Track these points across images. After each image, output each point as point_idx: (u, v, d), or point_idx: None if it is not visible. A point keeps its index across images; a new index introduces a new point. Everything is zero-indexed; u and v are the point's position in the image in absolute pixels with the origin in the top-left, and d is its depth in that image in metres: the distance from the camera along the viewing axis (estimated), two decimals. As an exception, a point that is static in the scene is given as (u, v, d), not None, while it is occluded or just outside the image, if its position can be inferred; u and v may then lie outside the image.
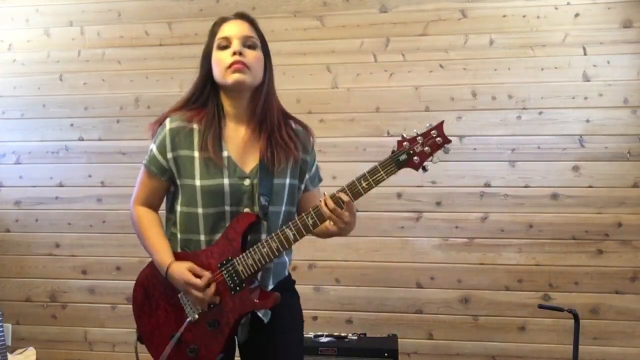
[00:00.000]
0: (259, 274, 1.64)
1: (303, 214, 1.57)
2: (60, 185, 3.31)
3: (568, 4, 2.92)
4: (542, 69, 2.93)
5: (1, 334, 2.75)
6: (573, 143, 2.92)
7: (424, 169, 1.55)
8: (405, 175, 2.98)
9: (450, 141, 1.53)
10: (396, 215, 3.03)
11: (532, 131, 2.94)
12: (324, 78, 3.06)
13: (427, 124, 1.54)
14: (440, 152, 1.53)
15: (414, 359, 3.03)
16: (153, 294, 1.70)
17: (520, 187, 2.96)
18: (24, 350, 3.04)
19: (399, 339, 2.71)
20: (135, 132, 3.23)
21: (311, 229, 1.56)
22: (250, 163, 1.64)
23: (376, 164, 1.56)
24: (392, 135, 3.02)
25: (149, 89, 3.23)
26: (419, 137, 1.54)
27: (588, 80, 2.91)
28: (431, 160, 1.54)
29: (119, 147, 3.25)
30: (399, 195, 3.02)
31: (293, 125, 1.72)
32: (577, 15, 2.92)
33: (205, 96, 1.66)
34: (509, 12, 2.96)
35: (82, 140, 3.29)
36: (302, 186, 1.74)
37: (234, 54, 1.59)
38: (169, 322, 1.66)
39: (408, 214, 3.02)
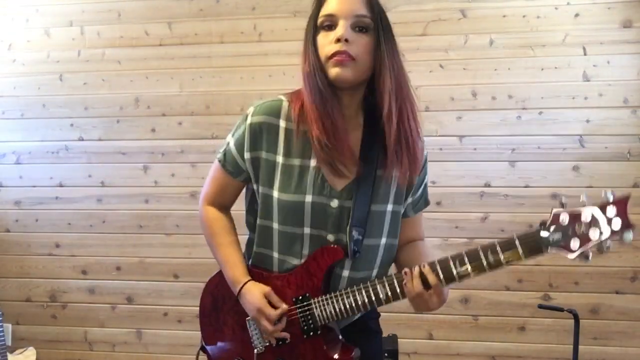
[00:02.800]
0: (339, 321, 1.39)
1: (401, 272, 1.29)
2: (60, 185, 3.31)
3: (568, 4, 2.92)
4: (542, 69, 2.93)
5: (1, 334, 2.75)
6: (573, 143, 2.92)
7: (584, 258, 1.14)
8: (405, 175, 2.99)
9: (633, 226, 1.07)
10: (396, 215, 3.02)
11: (532, 131, 2.94)
12: (324, 78, 3.06)
13: (604, 194, 1.11)
14: (616, 239, 1.10)
15: (414, 359, 3.03)
16: (222, 308, 1.50)
17: (520, 187, 2.96)
18: (24, 350, 3.04)
19: (399, 339, 2.70)
20: (135, 132, 3.23)
21: (400, 297, 1.30)
22: (343, 180, 1.34)
23: (514, 235, 1.17)
24: (392, 135, 3.01)
25: (149, 89, 3.23)
26: (586, 214, 1.09)
27: (588, 80, 2.91)
28: (599, 249, 1.12)
29: (119, 147, 3.25)
30: (399, 195, 3.02)
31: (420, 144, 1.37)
32: (577, 15, 2.92)
33: (319, 79, 1.29)
34: (509, 12, 2.96)
35: (82, 140, 3.29)
36: (402, 210, 1.44)
37: (337, 40, 1.27)
38: (235, 343, 1.47)
39: (408, 214, 3.02)
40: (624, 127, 2.89)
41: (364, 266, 1.38)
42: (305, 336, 1.37)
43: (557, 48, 2.92)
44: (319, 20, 1.32)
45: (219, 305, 1.51)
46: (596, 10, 2.90)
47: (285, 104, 1.39)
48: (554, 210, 1.14)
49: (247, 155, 1.39)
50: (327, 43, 1.29)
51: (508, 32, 2.95)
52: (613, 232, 1.09)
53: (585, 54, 2.90)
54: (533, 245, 1.16)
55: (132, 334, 3.25)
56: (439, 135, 2.97)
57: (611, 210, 1.09)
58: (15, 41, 3.35)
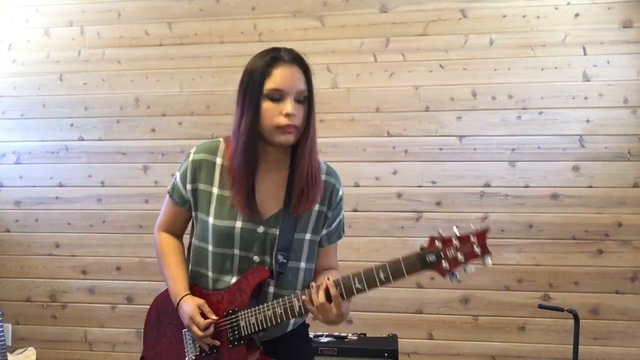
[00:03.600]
0: (261, 333, 1.56)
1: (306, 290, 1.49)
2: (60, 185, 3.31)
3: (568, 4, 2.92)
4: (542, 69, 2.93)
5: (1, 334, 2.75)
6: (573, 143, 2.92)
7: (452, 277, 1.36)
8: (405, 174, 3.00)
9: (490, 253, 1.34)
10: (396, 215, 3.03)
11: (532, 131, 2.94)
12: (324, 78, 3.06)
13: (472, 228, 1.36)
14: (477, 264, 1.33)
15: (414, 359, 3.03)
16: (163, 320, 1.68)
17: (520, 187, 2.96)
18: (24, 350, 3.04)
19: (399, 339, 2.70)
20: (135, 132, 3.23)
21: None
22: (269, 209, 1.56)
23: (399, 257, 1.38)
24: (392, 135, 3.02)
25: (149, 89, 3.23)
26: (455, 241, 1.35)
27: (588, 80, 2.91)
28: (464, 270, 1.35)
29: (119, 147, 3.25)
30: (399, 195, 3.02)
31: (323, 177, 1.60)
32: (577, 15, 2.92)
33: (251, 141, 1.51)
34: (509, 12, 2.96)
35: (82, 140, 3.29)
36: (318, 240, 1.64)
37: (287, 115, 1.46)
38: (170, 354, 1.64)
39: (408, 214, 3.02)
40: (624, 127, 2.89)
41: (287, 285, 1.58)
42: (230, 345, 1.54)
43: (557, 48, 2.92)
44: (266, 90, 1.48)
45: (161, 319, 1.68)
46: (596, 10, 2.90)
47: (222, 145, 1.61)
48: (431, 235, 1.37)
49: (188, 186, 1.60)
50: (276, 114, 1.48)
51: (508, 32, 2.95)
52: (475, 256, 1.34)
53: (585, 54, 2.91)
54: (414, 265, 1.38)
55: (132, 334, 3.25)
56: (439, 135, 2.98)
57: (473, 239, 1.34)
58: (15, 41, 3.35)
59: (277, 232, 1.55)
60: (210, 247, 1.57)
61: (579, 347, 2.39)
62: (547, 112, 2.94)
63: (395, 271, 1.38)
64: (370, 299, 3.04)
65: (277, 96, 1.48)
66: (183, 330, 1.62)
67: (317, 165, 1.58)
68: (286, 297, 1.51)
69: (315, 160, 1.57)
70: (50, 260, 3.33)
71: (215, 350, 1.56)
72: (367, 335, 2.73)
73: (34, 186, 3.34)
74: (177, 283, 1.61)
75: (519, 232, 2.96)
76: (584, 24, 2.91)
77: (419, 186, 3.00)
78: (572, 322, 2.40)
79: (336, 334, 2.70)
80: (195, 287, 1.62)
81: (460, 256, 1.34)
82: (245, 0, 3.13)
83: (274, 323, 1.51)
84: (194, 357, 1.59)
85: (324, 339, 2.64)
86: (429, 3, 3.01)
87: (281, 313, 1.50)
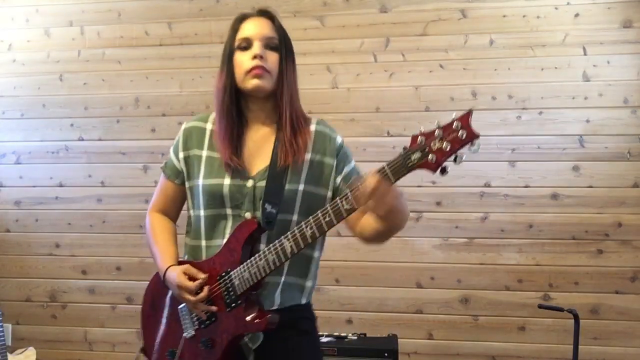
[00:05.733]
0: (259, 290, 1.49)
1: (303, 222, 1.41)
2: (60, 185, 3.31)
3: (568, 4, 2.92)
4: (542, 69, 2.93)
5: (1, 334, 2.75)
6: (573, 143, 2.92)
7: (443, 171, 1.27)
8: (405, 175, 3.00)
9: (478, 135, 1.22)
10: (396, 215, 3.02)
11: (532, 131, 2.94)
12: (324, 78, 3.06)
13: (454, 115, 1.24)
14: (466, 150, 1.25)
15: (414, 359, 3.03)
16: (159, 305, 1.61)
17: (520, 187, 2.96)
18: (24, 350, 3.04)
19: (399, 339, 2.70)
20: (135, 132, 3.23)
21: (309, 240, 1.41)
22: (258, 165, 1.54)
23: (383, 164, 1.31)
24: (392, 135, 3.02)
25: (149, 89, 3.23)
26: (438, 131, 1.23)
27: (588, 80, 2.91)
28: (454, 161, 1.26)
29: (119, 147, 3.25)
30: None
31: (313, 127, 1.59)
32: (577, 15, 2.92)
33: (227, 97, 1.56)
34: (509, 12, 2.96)
35: (82, 140, 3.29)
36: (330, 194, 1.57)
37: (254, 57, 1.50)
38: (169, 336, 1.57)
39: (408, 214, 3.02)
40: (624, 127, 2.89)
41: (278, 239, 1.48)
42: (228, 309, 1.47)
43: (557, 48, 2.92)
44: (236, 43, 1.54)
45: (156, 304, 1.63)
46: (596, 10, 2.90)
47: (213, 114, 1.64)
48: (412, 134, 1.27)
49: (181, 155, 1.62)
50: (245, 60, 1.52)
51: (508, 32, 2.95)
52: (461, 142, 1.22)
53: (585, 54, 2.91)
54: (400, 167, 1.30)
55: (132, 334, 3.25)
56: (439, 135, 2.97)
57: (457, 125, 1.21)
58: (15, 41, 3.35)
59: (264, 185, 1.51)
60: (201, 212, 1.55)
61: (579, 347, 2.39)
62: (547, 112, 2.94)
63: (384, 176, 1.30)
64: (370, 299, 3.04)
65: (245, 44, 1.53)
66: (178, 307, 1.55)
67: (300, 112, 1.58)
68: (276, 241, 1.44)
69: (296, 108, 1.57)
70: (50, 260, 3.33)
71: (214, 319, 1.49)
72: (367, 335, 2.73)
73: (34, 186, 3.34)
74: (163, 257, 1.58)
75: (519, 232, 2.96)
76: (584, 24, 2.91)
77: (419, 186, 3.00)
78: (572, 322, 2.40)
79: (336, 334, 2.70)
80: (185, 261, 1.56)
81: (446, 145, 1.23)
82: (245, 1, 3.12)
83: (268, 271, 1.44)
84: (193, 332, 1.52)
85: (324, 339, 2.64)
86: (429, 3, 3.01)
87: (274, 259, 1.43)
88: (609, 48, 2.89)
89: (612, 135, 2.90)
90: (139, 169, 3.24)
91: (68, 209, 3.31)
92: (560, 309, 2.45)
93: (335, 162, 1.58)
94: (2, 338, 2.77)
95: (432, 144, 1.24)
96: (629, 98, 2.88)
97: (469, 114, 1.22)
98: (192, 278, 1.48)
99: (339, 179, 1.58)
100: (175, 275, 1.49)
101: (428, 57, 3.01)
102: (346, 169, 1.59)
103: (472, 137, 1.22)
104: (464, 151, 1.24)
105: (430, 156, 1.25)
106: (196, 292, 1.46)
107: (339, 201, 1.37)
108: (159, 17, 3.22)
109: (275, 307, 1.51)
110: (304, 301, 1.58)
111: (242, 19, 1.57)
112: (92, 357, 3.30)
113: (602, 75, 2.90)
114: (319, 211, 1.39)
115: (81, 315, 3.31)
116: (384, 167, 1.31)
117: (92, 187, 3.28)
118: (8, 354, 2.89)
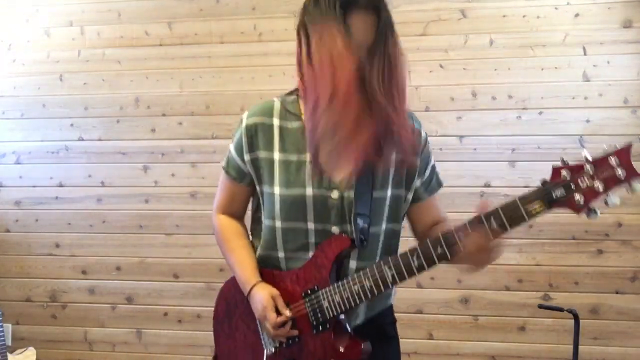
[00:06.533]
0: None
1: (408, 251, 1.26)
2: (60, 185, 3.31)
3: (568, 4, 2.92)
4: (542, 69, 2.93)
5: (1, 334, 2.75)
6: (573, 143, 2.92)
7: (590, 213, 1.08)
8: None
9: (639, 175, 1.03)
10: (396, 215, 3.02)
11: (532, 131, 2.94)
12: (324, 78, 3.06)
13: (605, 147, 1.06)
14: (621, 190, 1.06)
15: (414, 359, 3.03)
16: (234, 313, 1.50)
17: (520, 187, 2.94)
18: (24, 350, 3.04)
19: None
20: (135, 132, 3.23)
21: (416, 272, 1.26)
22: (342, 170, 1.31)
23: (515, 198, 1.13)
24: (392, 135, 3.01)
25: (149, 89, 3.23)
26: (588, 166, 1.05)
27: (588, 80, 2.91)
28: (605, 202, 1.07)
29: (119, 147, 3.25)
30: (399, 195, 3.02)
31: (412, 122, 1.38)
32: (577, 15, 2.92)
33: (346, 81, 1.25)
34: (509, 12, 2.96)
35: (82, 140, 3.29)
36: (410, 195, 1.42)
37: None
38: (246, 348, 1.45)
39: (408, 214, 3.02)
40: (624, 127, 2.89)
41: (371, 256, 1.38)
42: (314, 331, 1.35)
43: (557, 48, 2.92)
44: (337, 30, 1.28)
45: (231, 310, 1.51)
46: (596, 10, 2.90)
47: (277, 104, 1.41)
48: (554, 165, 1.09)
49: (246, 157, 1.40)
50: None
51: (508, 32, 2.95)
52: (618, 182, 1.05)
53: (585, 54, 2.90)
54: (537, 205, 1.11)
55: (132, 334, 3.25)
56: (439, 135, 2.97)
57: (613, 160, 1.04)
58: (15, 41, 3.35)
59: (353, 195, 1.32)
60: (279, 224, 1.37)
61: (579, 347, 2.39)
62: (547, 112, 2.93)
63: (514, 216, 1.12)
64: (370, 299, 3.04)
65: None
66: (257, 320, 1.43)
67: (402, 102, 1.29)
68: (374, 266, 1.30)
69: (397, 93, 1.28)
70: (50, 260, 3.33)
71: (297, 340, 1.37)
72: (367, 335, 2.73)
73: (34, 186, 3.34)
74: (245, 269, 1.43)
75: (519, 232, 2.92)
76: (584, 24, 2.90)
77: (419, 186, 3.00)
78: (572, 322, 2.39)
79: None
80: (265, 270, 1.43)
81: (598, 184, 1.05)
82: (245, 0, 3.13)
83: (363, 299, 1.30)
84: (273, 349, 1.40)
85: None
86: (429, 3, 3.01)
87: (370, 286, 1.28)
88: (609, 48, 2.89)
89: (612, 135, 2.89)
90: (139, 169, 3.24)
91: (68, 209, 3.31)
92: (560, 309, 2.44)
93: (418, 161, 1.41)
94: (2, 338, 2.77)
95: (579, 181, 1.06)
96: (629, 98, 2.88)
97: (628, 148, 1.05)
98: (278, 309, 1.36)
99: (419, 182, 1.43)
100: (263, 300, 1.36)
101: (428, 57, 3.00)
102: (428, 172, 1.45)
103: (632, 176, 1.05)
104: (619, 191, 1.05)
105: (577, 196, 1.07)
106: (277, 326, 1.35)
107: (432, 248, 1.23)
108: (159, 17, 3.22)
109: (360, 322, 1.42)
110: (389, 303, 1.51)
111: (347, 5, 1.32)
112: (92, 357, 3.30)
113: (602, 75, 2.90)
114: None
115: (81, 315, 3.31)
116: (497, 212, 1.13)
117: (92, 187, 3.28)
118: (8, 354, 2.88)
